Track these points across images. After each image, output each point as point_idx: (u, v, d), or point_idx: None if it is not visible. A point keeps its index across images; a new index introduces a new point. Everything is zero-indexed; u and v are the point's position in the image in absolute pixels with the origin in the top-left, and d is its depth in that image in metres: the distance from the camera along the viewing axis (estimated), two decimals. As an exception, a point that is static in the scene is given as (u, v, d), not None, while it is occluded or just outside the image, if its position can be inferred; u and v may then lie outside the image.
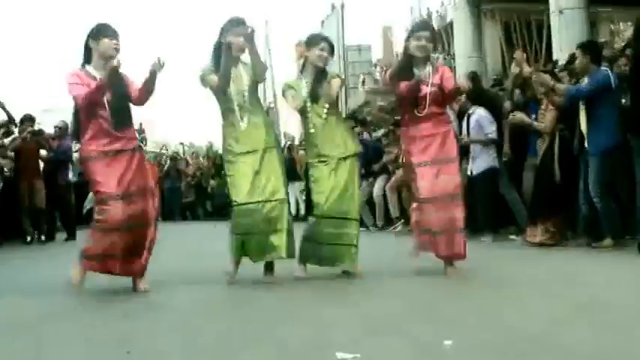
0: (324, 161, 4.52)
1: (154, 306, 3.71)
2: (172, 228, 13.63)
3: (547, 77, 6.09)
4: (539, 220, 6.22)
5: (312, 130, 4.57)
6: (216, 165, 18.60)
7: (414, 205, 4.60)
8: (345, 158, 4.55)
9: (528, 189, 7.13)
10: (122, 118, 4.15)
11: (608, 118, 5.67)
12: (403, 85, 4.48)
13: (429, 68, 4.54)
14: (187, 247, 8.00)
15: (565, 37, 10.64)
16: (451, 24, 14.54)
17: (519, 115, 6.57)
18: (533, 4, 13.12)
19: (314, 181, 4.57)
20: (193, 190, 17.32)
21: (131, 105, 4.25)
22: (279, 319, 3.19)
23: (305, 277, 4.48)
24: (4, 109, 10.13)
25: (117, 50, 4.11)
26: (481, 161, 7.41)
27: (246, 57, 4.45)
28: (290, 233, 4.34)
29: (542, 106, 6.39)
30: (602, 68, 5.85)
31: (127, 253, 4.08)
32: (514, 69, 6.62)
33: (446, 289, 4.05)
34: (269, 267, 4.42)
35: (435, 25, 16.05)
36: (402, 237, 7.71)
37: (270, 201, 4.27)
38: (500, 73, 12.74)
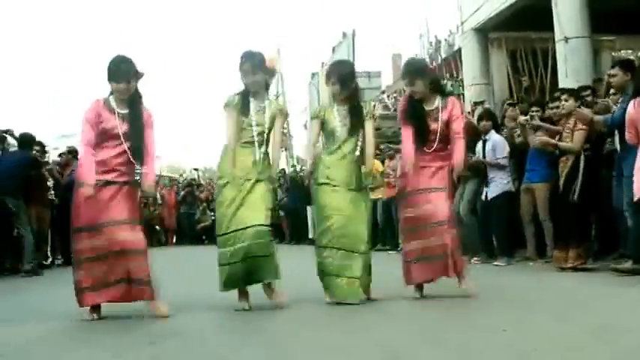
0: (333, 185, 4.60)
1: (177, 331, 3.75)
2: (189, 252, 13.75)
3: (586, 111, 6.15)
4: (571, 244, 6.14)
5: (330, 155, 4.67)
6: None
7: (404, 235, 4.73)
8: (350, 190, 4.62)
9: (524, 212, 7.34)
10: (135, 150, 4.30)
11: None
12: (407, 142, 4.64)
13: (437, 102, 4.66)
14: (204, 272, 8.10)
15: (570, 64, 10.91)
16: (459, 51, 14.84)
17: (545, 139, 6.56)
18: (538, 32, 13.38)
19: (321, 203, 4.63)
20: (210, 215, 17.54)
21: (147, 137, 4.38)
22: (296, 345, 3.26)
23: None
24: (13, 136, 10.44)
25: (124, 93, 4.28)
26: (496, 186, 7.57)
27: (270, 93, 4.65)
28: (274, 257, 4.41)
29: (569, 125, 6.34)
30: None
31: (121, 280, 4.20)
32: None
33: (457, 313, 4.11)
34: (269, 288, 4.48)
35: (443, 52, 16.41)
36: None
37: (250, 227, 4.32)
38: (508, 99, 13.04)
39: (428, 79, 4.70)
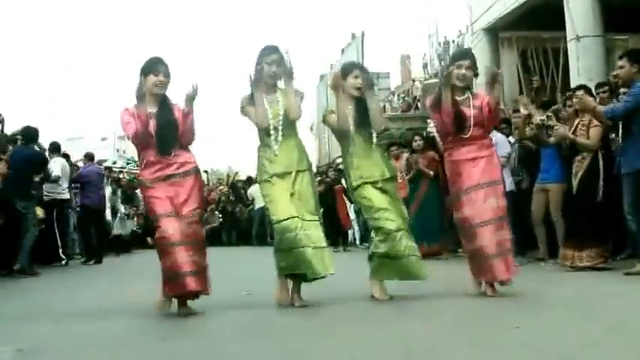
0: (370, 182, 4.61)
1: (191, 329, 3.79)
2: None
3: (589, 100, 6.03)
4: (587, 243, 6.08)
5: (354, 156, 4.67)
6: (236, 189, 18.89)
7: (465, 232, 4.63)
8: (386, 180, 4.65)
9: (536, 213, 7.28)
10: (168, 144, 4.32)
11: None
12: (445, 111, 4.58)
13: (467, 94, 4.66)
14: (216, 272, 8.14)
15: (582, 63, 10.85)
16: (468, 51, 14.78)
17: (562, 130, 6.41)
18: (549, 31, 13.33)
19: (366, 201, 4.62)
20: (217, 216, 17.54)
21: (178, 132, 4.39)
22: (319, 341, 3.28)
23: (386, 298, 4.54)
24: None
25: (161, 87, 4.33)
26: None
27: (282, 83, 4.61)
28: (329, 252, 4.46)
29: (584, 121, 6.28)
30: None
31: (193, 270, 4.19)
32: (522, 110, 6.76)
33: (478, 311, 4.11)
34: (298, 289, 4.49)
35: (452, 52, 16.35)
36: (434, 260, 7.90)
37: (307, 220, 4.37)
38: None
39: (476, 73, 4.73)
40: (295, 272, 4.42)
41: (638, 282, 5.21)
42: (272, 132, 4.51)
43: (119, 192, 14.49)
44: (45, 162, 9.02)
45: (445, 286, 4.75)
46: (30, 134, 8.93)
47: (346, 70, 4.81)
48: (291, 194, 4.42)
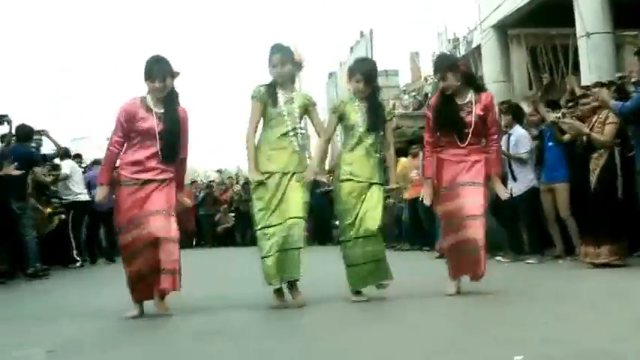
0: (355, 180, 4.63)
1: (219, 328, 3.80)
2: (214, 254, 13.80)
3: (604, 93, 6.06)
4: (605, 240, 6.09)
5: (352, 153, 4.69)
6: (246, 188, 18.92)
7: (447, 226, 4.69)
8: (372, 184, 4.66)
9: (548, 212, 7.33)
10: (170, 150, 4.34)
11: None
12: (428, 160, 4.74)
13: (470, 96, 4.65)
14: (223, 273, 8.25)
15: (592, 60, 10.85)
16: (478, 48, 14.80)
17: (578, 124, 6.39)
18: (559, 28, 13.33)
19: (343, 196, 4.65)
20: (231, 217, 17.57)
21: (183, 138, 4.42)
22: (337, 340, 3.30)
23: (365, 299, 4.57)
24: (49, 137, 10.50)
25: (160, 91, 4.30)
26: (521, 182, 7.52)
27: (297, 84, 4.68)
28: (302, 253, 4.45)
29: (600, 118, 6.28)
30: None
31: (154, 273, 4.21)
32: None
33: (500, 308, 4.14)
34: (293, 286, 4.51)
35: (462, 49, 16.36)
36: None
37: (288, 219, 4.40)
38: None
39: (459, 73, 4.68)
40: (271, 281, 4.46)
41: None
42: (290, 132, 4.54)
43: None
44: (34, 162, 8.68)
45: (465, 284, 4.75)
46: (25, 133, 8.72)
47: (349, 73, 4.84)
48: (278, 196, 4.43)
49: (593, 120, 6.34)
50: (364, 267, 4.59)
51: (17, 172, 7.73)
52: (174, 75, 4.36)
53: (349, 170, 4.67)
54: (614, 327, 3.20)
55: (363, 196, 4.61)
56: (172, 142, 4.34)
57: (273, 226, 4.41)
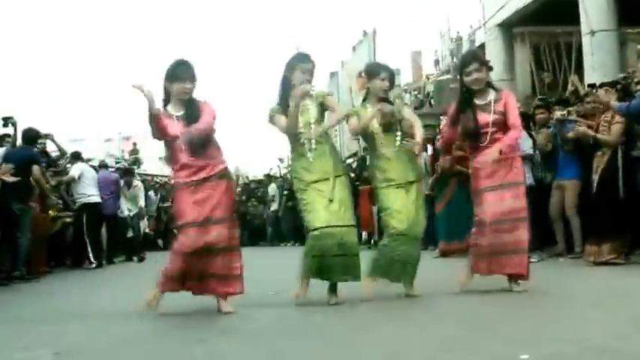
0: (393, 185, 4.67)
1: (230, 329, 3.82)
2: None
3: (604, 95, 6.08)
4: (606, 238, 6.11)
5: (382, 159, 4.72)
6: (246, 189, 18.94)
7: (476, 228, 4.67)
8: (411, 182, 4.70)
9: (553, 209, 7.33)
10: (197, 146, 4.32)
11: None
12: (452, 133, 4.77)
13: (491, 96, 4.62)
14: (250, 272, 8.18)
15: (597, 58, 10.82)
16: (481, 47, 14.77)
17: (583, 128, 6.44)
18: (562, 26, 13.29)
19: (385, 202, 4.69)
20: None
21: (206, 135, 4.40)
22: (350, 340, 3.31)
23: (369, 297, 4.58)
24: (54, 142, 10.52)
25: (188, 93, 4.35)
26: None
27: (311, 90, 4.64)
28: (359, 257, 4.52)
29: (606, 118, 6.30)
30: None
31: (204, 275, 4.29)
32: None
33: (505, 307, 4.14)
34: (333, 289, 4.56)
35: (465, 48, 16.32)
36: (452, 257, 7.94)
37: (345, 226, 4.45)
38: (530, 95, 12.95)
39: (488, 70, 4.70)
40: (321, 278, 4.51)
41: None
42: (305, 140, 4.56)
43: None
44: (33, 161, 8.57)
45: (471, 283, 4.76)
46: (30, 136, 8.79)
47: (373, 72, 4.84)
48: (330, 200, 4.47)
49: (600, 120, 6.34)
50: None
51: (11, 179, 7.65)
52: (197, 80, 4.41)
53: (384, 177, 4.70)
54: (618, 325, 3.22)
55: (405, 203, 4.64)
56: (195, 139, 4.31)
57: (328, 227, 4.40)
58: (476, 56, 4.87)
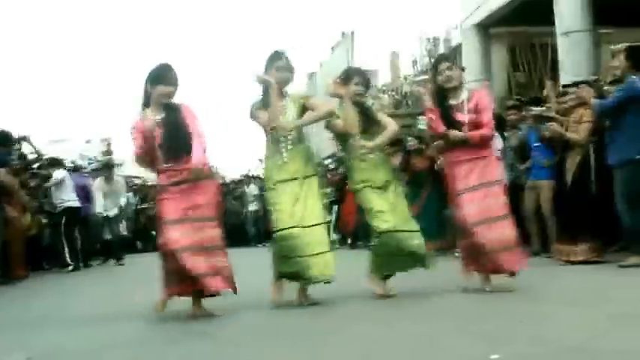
0: (370, 186, 4.71)
1: (204, 331, 3.82)
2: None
3: (587, 92, 6.15)
4: (580, 238, 6.17)
5: (358, 160, 4.77)
6: (223, 188, 18.84)
7: (459, 232, 4.73)
8: (388, 182, 4.76)
9: (528, 209, 7.38)
10: (178, 148, 4.32)
11: (633, 128, 5.59)
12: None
13: (464, 96, 4.69)
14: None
15: (572, 58, 10.92)
16: (458, 48, 14.86)
17: (554, 127, 6.52)
18: (538, 27, 13.42)
19: (366, 203, 4.72)
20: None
21: (188, 135, 4.38)
22: (323, 341, 3.32)
23: (383, 293, 4.64)
24: (30, 144, 10.45)
25: (170, 96, 4.36)
26: None
27: (289, 89, 4.70)
28: (332, 255, 4.54)
29: (575, 117, 6.36)
30: (633, 77, 5.67)
31: (209, 272, 4.25)
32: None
33: (479, 306, 4.18)
34: (304, 289, 4.58)
35: (442, 49, 16.43)
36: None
37: (311, 226, 4.47)
38: (506, 96, 13.08)
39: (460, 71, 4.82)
40: (293, 280, 4.54)
41: (634, 274, 5.29)
42: (282, 139, 4.58)
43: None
44: (7, 166, 8.64)
45: (447, 283, 4.84)
46: (2, 138, 8.74)
47: (347, 77, 4.88)
48: (297, 199, 4.49)
49: (569, 119, 6.42)
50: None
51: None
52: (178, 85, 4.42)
53: (361, 178, 4.75)
54: (593, 323, 3.25)
55: (386, 204, 4.68)
56: (172, 143, 4.33)
57: (296, 228, 4.42)
58: (447, 57, 5.03)
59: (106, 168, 12.43)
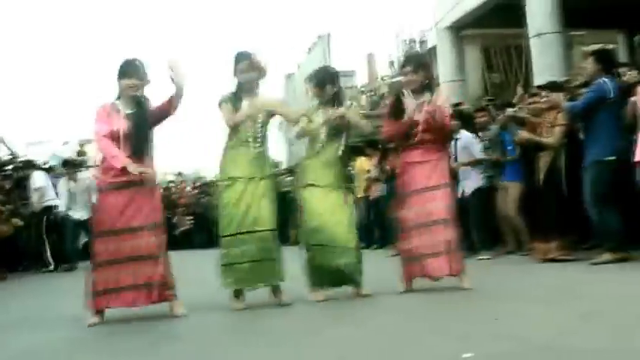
0: (316, 185, 4.74)
1: (179, 334, 3.83)
2: (173, 257, 13.68)
3: (558, 97, 6.27)
4: (553, 236, 6.24)
5: (312, 161, 4.81)
6: (205, 191, 18.82)
7: (402, 233, 4.78)
8: (334, 187, 4.76)
9: (502, 209, 7.49)
10: (140, 145, 4.33)
11: (604, 129, 5.68)
12: (395, 126, 4.79)
13: (423, 98, 4.75)
14: (184, 276, 8.14)
15: (544, 60, 11.09)
16: (433, 49, 14.99)
17: (525, 135, 6.62)
18: (511, 29, 13.59)
19: (306, 204, 4.74)
20: (189, 219, 17.47)
21: (151, 136, 4.42)
22: (300, 342, 3.33)
23: (324, 299, 4.64)
24: (5, 144, 10.37)
25: (134, 89, 4.35)
26: (471, 182, 7.70)
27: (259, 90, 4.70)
28: (280, 260, 4.54)
29: (549, 119, 6.45)
30: (601, 79, 5.76)
31: (135, 284, 4.23)
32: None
33: (452, 305, 4.22)
34: (276, 289, 4.59)
35: (419, 50, 16.55)
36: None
37: (259, 231, 4.45)
38: (482, 96, 13.21)
39: (427, 74, 4.90)
40: (237, 288, 4.53)
41: (605, 271, 5.37)
42: (250, 139, 4.59)
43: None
44: None
45: (421, 282, 4.85)
46: None
47: (321, 82, 4.89)
48: (248, 203, 4.48)
49: (543, 121, 6.53)
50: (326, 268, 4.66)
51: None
52: (148, 79, 4.40)
53: (312, 177, 4.76)
54: (563, 320, 3.30)
55: (327, 206, 4.69)
56: (140, 142, 4.34)
57: (242, 234, 4.43)
58: (411, 59, 5.10)
59: (69, 165, 11.28)
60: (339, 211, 4.72)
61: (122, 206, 4.24)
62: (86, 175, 11.38)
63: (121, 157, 4.20)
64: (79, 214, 10.71)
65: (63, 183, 10.97)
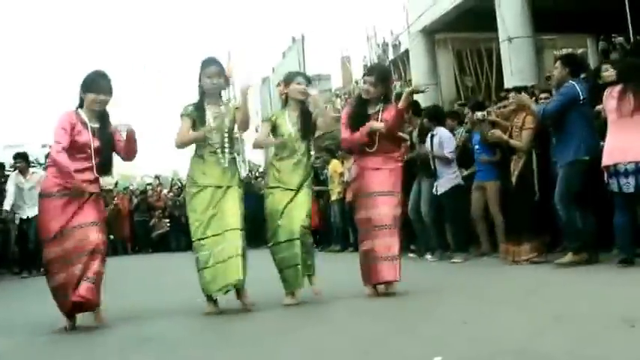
0: (283, 188, 4.78)
1: (149, 338, 3.78)
2: (148, 260, 13.55)
3: (526, 98, 6.36)
4: (524, 238, 6.31)
5: (282, 161, 4.84)
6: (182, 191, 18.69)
7: (361, 233, 4.87)
8: (299, 188, 4.80)
9: (475, 209, 7.54)
10: (106, 166, 4.40)
11: (575, 130, 5.73)
12: (356, 135, 4.85)
13: (379, 107, 4.88)
14: (159, 279, 8.14)
15: (514, 64, 11.25)
16: (406, 53, 15.11)
17: (498, 133, 6.67)
18: (483, 33, 13.76)
19: (271, 204, 4.80)
20: (166, 222, 17.39)
21: (113, 154, 4.47)
22: (270, 345, 3.33)
23: (296, 303, 4.65)
24: None
25: (102, 105, 4.34)
26: (445, 180, 7.65)
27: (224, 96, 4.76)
28: (245, 259, 4.50)
29: (517, 122, 6.53)
30: (571, 82, 5.82)
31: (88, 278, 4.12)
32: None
33: (423, 307, 4.25)
34: (240, 291, 4.55)
35: (391, 54, 16.68)
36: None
37: (227, 230, 4.46)
38: (456, 99, 13.37)
39: (386, 87, 4.99)
40: (210, 292, 4.52)
41: (574, 272, 5.42)
42: (217, 148, 4.61)
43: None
44: None
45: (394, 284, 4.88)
46: None
47: (289, 78, 4.98)
48: (215, 208, 4.51)
49: (511, 125, 6.63)
50: (294, 269, 4.69)
51: None
52: (112, 94, 4.39)
53: (278, 178, 4.81)
54: (533, 323, 3.32)
55: (291, 202, 4.74)
56: (107, 158, 4.41)
57: (210, 237, 4.46)
58: (373, 71, 5.20)
59: (20, 158, 10.19)
60: (298, 208, 4.77)
61: (73, 210, 4.22)
62: (36, 170, 10.68)
63: (73, 175, 4.19)
64: (31, 212, 9.50)
65: (12, 178, 10.06)
